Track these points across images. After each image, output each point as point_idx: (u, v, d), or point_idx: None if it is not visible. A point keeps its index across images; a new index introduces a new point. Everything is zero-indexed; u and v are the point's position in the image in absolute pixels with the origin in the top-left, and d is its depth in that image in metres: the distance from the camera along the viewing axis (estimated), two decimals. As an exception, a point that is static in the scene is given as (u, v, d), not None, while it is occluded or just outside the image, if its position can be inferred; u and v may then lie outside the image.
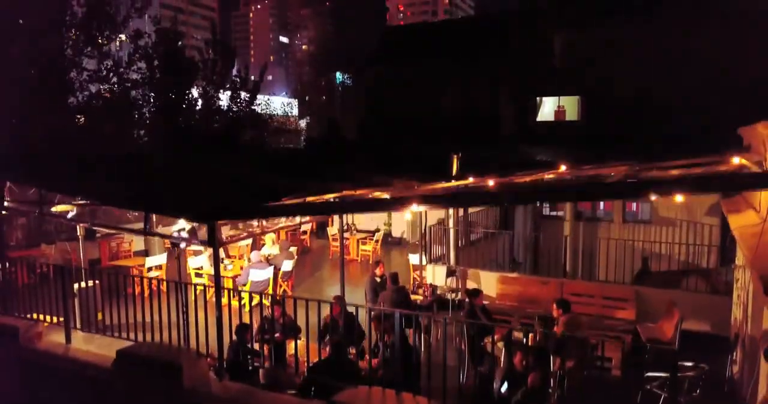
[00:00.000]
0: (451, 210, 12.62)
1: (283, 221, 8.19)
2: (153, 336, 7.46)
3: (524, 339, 8.02)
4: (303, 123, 55.13)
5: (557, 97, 25.62)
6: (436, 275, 12.45)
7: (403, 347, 7.31)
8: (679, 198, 8.24)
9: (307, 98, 61.27)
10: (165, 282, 7.36)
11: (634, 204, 18.90)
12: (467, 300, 8.79)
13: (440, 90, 26.15)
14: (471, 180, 10.46)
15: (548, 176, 10.39)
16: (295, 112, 59.58)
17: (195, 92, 22.30)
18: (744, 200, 8.08)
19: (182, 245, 8.21)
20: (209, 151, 17.88)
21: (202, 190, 7.95)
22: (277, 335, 8.48)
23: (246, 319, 7.50)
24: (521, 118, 25.39)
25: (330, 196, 8.59)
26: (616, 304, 10.69)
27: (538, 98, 25.74)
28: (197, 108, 22.51)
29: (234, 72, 24.13)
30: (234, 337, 7.53)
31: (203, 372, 6.79)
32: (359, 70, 28.13)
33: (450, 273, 12.24)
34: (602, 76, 22.11)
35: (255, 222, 10.17)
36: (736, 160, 7.01)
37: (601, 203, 19.11)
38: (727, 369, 8.56)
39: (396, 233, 19.29)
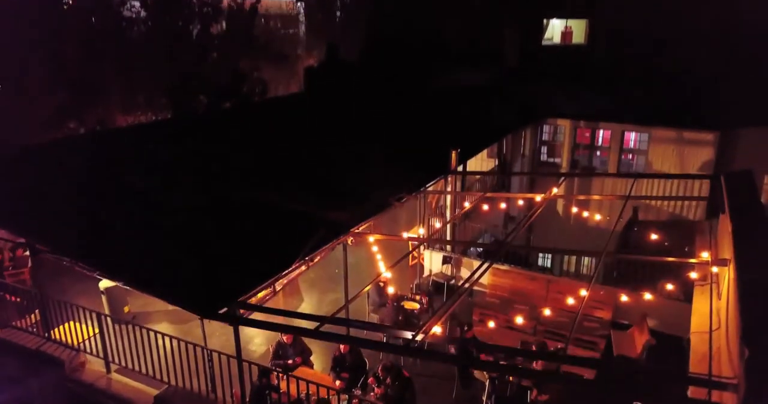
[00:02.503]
0: (448, 202, 13.19)
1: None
2: (183, 377, 8.56)
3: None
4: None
5: (565, 20, 24.78)
6: (432, 261, 13.39)
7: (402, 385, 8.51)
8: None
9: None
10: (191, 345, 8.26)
11: (630, 154, 19.31)
12: (459, 331, 9.80)
13: (444, 11, 25.16)
14: (467, 205, 11.03)
15: (544, 197, 10.91)
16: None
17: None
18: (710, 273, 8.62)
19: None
20: (214, 111, 17.79)
21: (211, 257, 8.54)
22: (290, 361, 9.67)
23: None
24: (526, 41, 24.70)
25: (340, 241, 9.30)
26: (595, 304, 11.73)
27: (544, 20, 24.89)
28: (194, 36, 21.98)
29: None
30: (255, 380, 8.63)
31: (231, 423, 8.01)
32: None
33: (446, 260, 13.18)
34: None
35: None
36: (705, 255, 7.62)
37: (598, 151, 19.53)
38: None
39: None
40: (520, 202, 13.68)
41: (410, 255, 14.58)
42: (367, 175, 12.39)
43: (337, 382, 9.14)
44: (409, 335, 6.37)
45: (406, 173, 12.51)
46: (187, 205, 10.25)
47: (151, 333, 8.56)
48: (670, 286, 9.58)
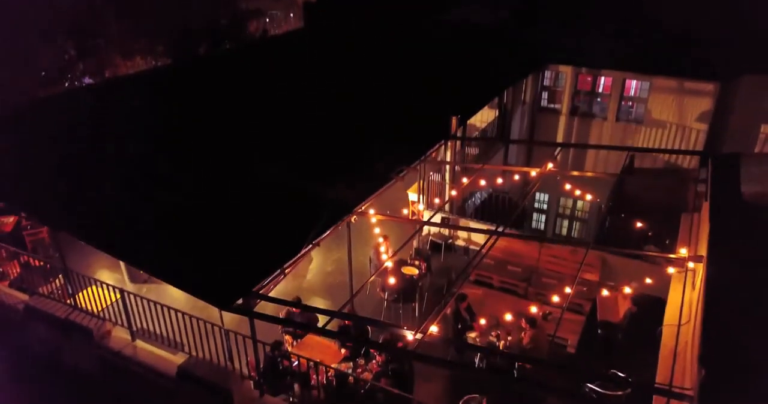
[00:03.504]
0: (447, 165, 13.59)
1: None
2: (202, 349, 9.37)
3: (496, 342, 10.13)
4: None
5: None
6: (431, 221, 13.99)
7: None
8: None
9: None
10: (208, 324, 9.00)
11: (630, 102, 19.40)
12: (455, 302, 10.54)
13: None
14: (465, 181, 11.43)
15: (539, 171, 11.31)
16: None
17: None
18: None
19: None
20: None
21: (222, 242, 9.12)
22: (297, 331, 10.53)
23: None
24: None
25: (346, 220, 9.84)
26: (584, 267, 12.39)
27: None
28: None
29: None
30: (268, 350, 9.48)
31: (248, 392, 8.94)
32: None
33: (444, 221, 13.79)
34: None
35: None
36: (683, 252, 8.19)
37: (599, 98, 19.57)
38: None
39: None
40: (516, 177, 13.98)
41: (410, 211, 15.24)
42: (365, 138, 12.65)
43: (342, 350, 10.03)
44: (409, 335, 7.08)
45: (405, 138, 12.77)
46: (190, 180, 10.71)
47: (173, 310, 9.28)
48: (649, 280, 10.20)
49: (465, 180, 12.23)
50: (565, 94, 19.65)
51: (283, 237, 9.21)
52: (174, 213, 9.82)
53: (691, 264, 8.15)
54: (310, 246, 9.10)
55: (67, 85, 17.68)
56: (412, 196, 14.76)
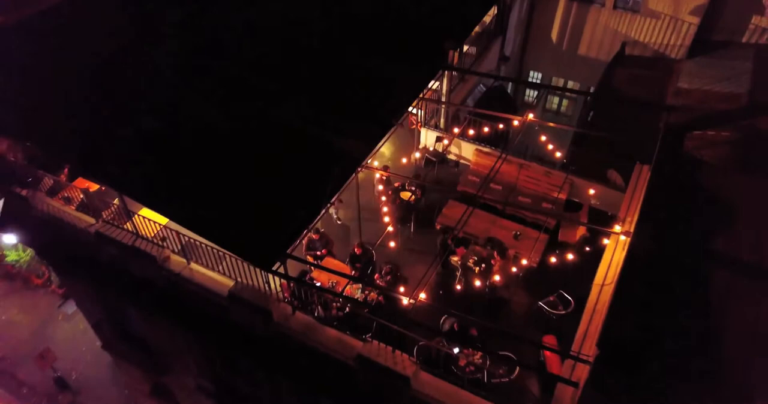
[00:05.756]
0: (444, 88, 14.95)
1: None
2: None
3: (473, 267, 12.87)
4: None
5: None
6: (428, 138, 15.80)
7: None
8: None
9: None
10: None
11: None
12: (442, 235, 12.98)
13: None
14: (456, 130, 12.86)
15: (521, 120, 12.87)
16: None
17: None
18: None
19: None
20: None
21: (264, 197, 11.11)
22: (318, 252, 13.20)
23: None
24: None
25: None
26: (554, 188, 14.57)
27: None
28: None
29: None
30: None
31: (284, 310, 11.87)
32: None
33: (438, 139, 15.61)
34: None
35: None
36: (618, 228, 10.30)
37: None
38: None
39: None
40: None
41: (409, 119, 16.89)
42: (363, 78, 13.20)
43: (353, 272, 12.82)
44: (405, 299, 9.68)
45: (402, 71, 13.42)
46: (200, 126, 12.12)
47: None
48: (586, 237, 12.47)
49: (456, 129, 13.77)
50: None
51: (304, 199, 11.11)
52: (201, 168, 11.56)
53: (622, 237, 10.42)
54: (329, 205, 11.24)
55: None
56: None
